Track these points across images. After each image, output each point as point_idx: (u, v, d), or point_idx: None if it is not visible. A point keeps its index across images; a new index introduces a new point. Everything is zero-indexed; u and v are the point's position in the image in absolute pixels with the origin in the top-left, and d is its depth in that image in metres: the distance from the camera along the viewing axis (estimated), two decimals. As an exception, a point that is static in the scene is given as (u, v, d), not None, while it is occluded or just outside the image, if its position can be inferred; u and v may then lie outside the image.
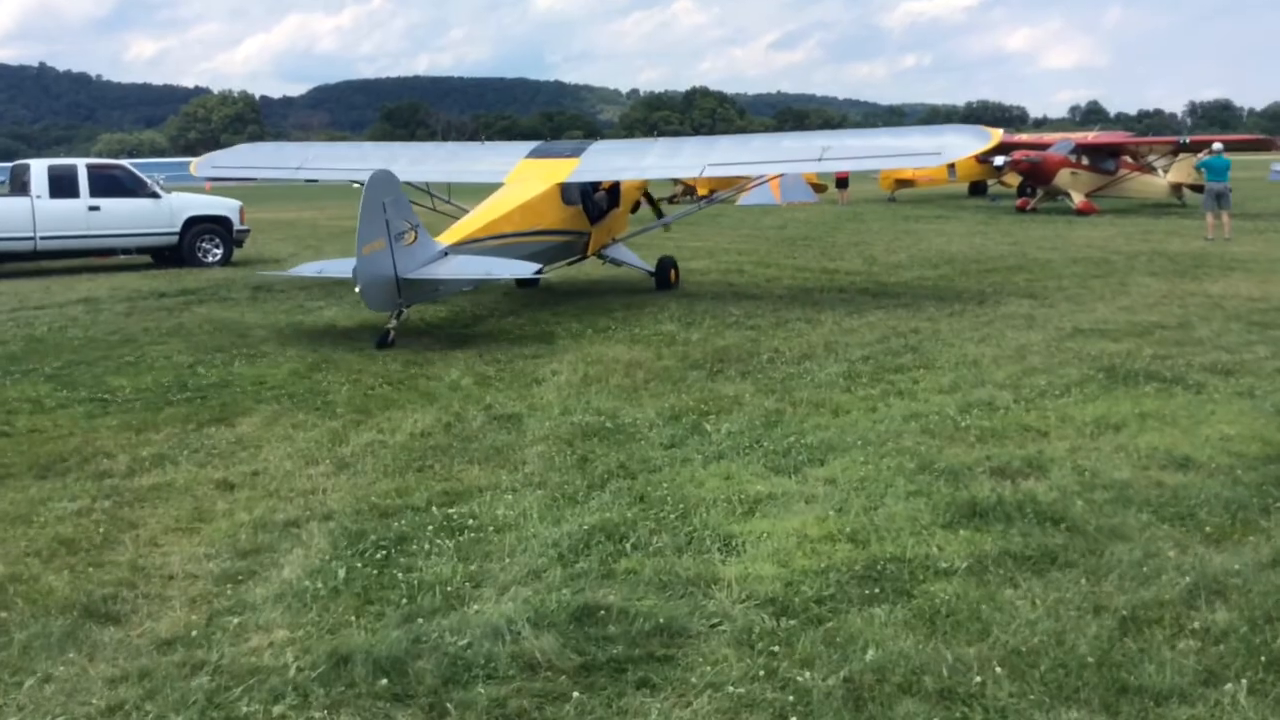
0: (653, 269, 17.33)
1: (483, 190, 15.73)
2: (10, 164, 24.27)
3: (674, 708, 4.25)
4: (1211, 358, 10.64)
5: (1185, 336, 11.92)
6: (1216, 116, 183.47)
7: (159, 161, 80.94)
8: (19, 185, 20.85)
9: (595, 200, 16.49)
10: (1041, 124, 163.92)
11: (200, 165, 20.02)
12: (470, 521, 6.34)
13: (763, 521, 6.30)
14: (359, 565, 5.68)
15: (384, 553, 5.86)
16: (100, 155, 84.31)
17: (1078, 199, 32.70)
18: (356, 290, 12.10)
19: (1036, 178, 33.83)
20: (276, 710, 4.27)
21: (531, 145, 17.39)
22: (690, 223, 25.11)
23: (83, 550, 6.05)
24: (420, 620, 4.97)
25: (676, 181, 40.67)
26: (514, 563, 5.69)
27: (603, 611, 5.01)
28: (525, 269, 13.60)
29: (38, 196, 20.26)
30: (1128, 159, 34.71)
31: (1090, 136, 40.38)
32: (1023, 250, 22.22)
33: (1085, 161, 33.77)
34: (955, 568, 5.51)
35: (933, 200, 41.92)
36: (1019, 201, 35.24)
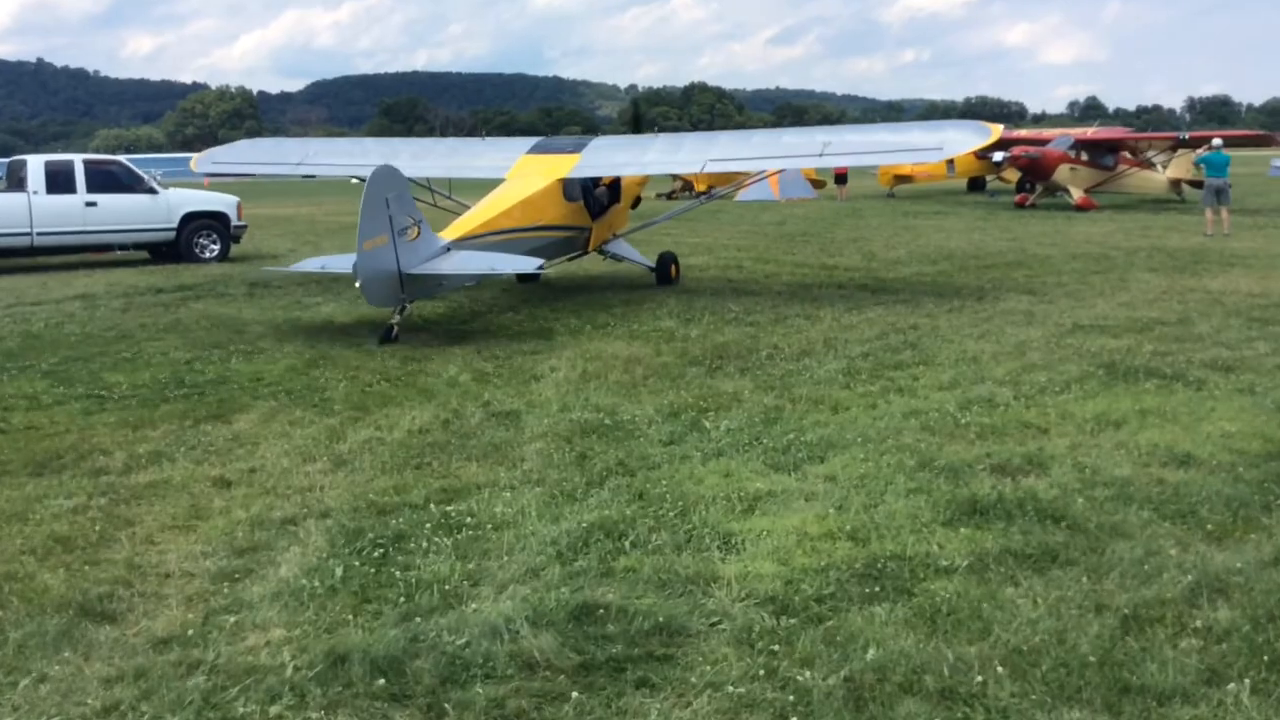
0: (653, 264, 17.33)
1: (483, 186, 15.72)
2: (7, 160, 24.16)
3: (673, 708, 4.22)
4: (1212, 354, 10.62)
5: (1185, 333, 11.89)
6: (1215, 112, 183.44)
7: (159, 157, 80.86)
8: (16, 181, 20.77)
9: (596, 196, 16.48)
10: (1040, 119, 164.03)
11: (200, 161, 20.00)
12: (468, 519, 6.31)
13: (762, 519, 6.27)
14: (356, 563, 5.65)
15: (382, 551, 5.83)
16: (98, 151, 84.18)
17: (1077, 195, 32.68)
18: (357, 285, 12.06)
19: (1036, 173, 33.81)
20: (273, 710, 4.24)
21: (532, 141, 17.40)
22: (689, 219, 25.09)
23: (79, 548, 6.01)
24: (418, 619, 4.94)
25: (675, 177, 40.72)
26: (512, 561, 5.66)
27: (601, 610, 4.98)
28: (528, 264, 13.59)
29: (34, 192, 20.19)
30: (1127, 155, 34.67)
31: (1090, 132, 40.30)
32: (1022, 246, 22.19)
33: (1084, 157, 33.74)
34: (956, 566, 5.48)
35: (931, 196, 41.88)
36: (1018, 197, 35.20)
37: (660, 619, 4.89)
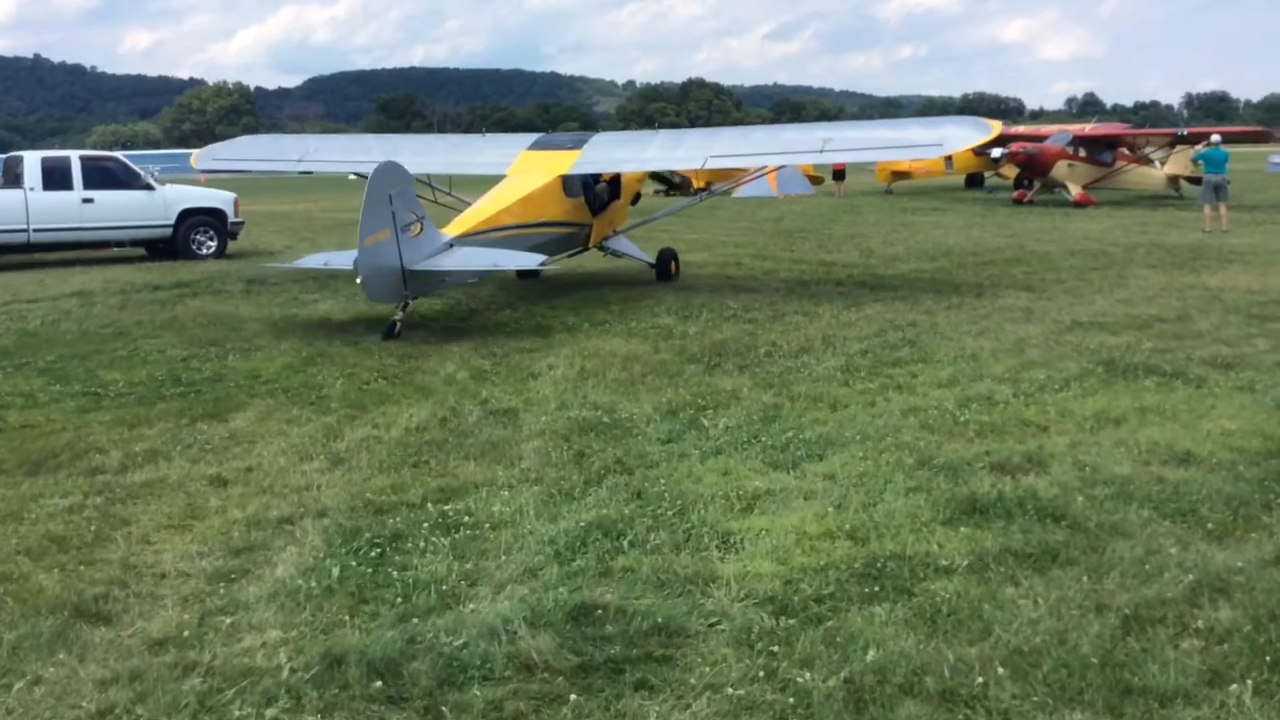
0: (653, 261, 17.33)
1: (483, 182, 15.71)
2: (3, 156, 24.08)
3: (673, 710, 4.20)
4: (1211, 351, 10.59)
5: (1184, 330, 11.87)
6: (1213, 108, 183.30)
7: (157, 153, 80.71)
8: (12, 177, 20.71)
9: (596, 192, 16.48)
10: (1038, 115, 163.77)
11: (201, 157, 19.95)
12: (466, 518, 6.28)
13: (761, 518, 6.24)
14: (353, 563, 5.62)
15: (378, 551, 5.80)
16: (95, 147, 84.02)
17: (1075, 191, 32.66)
18: (358, 281, 12.04)
19: (1034, 170, 33.80)
20: (269, 713, 4.20)
21: (533, 137, 17.41)
22: (686, 215, 25.05)
23: (74, 548, 5.98)
24: (415, 620, 4.90)
25: (673, 173, 40.62)
26: (510, 561, 5.63)
27: (600, 611, 4.95)
28: (531, 260, 13.60)
29: (31, 189, 20.13)
30: (1125, 151, 34.64)
31: (1088, 128, 40.28)
32: (1020, 243, 22.17)
33: (1083, 153, 33.72)
34: (956, 565, 5.46)
35: (929, 192, 41.86)
36: (1016, 194, 35.19)
37: (659, 619, 4.86)
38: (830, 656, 4.53)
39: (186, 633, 4.87)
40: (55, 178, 20.47)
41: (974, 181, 44.80)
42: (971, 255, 20.02)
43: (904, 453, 7.41)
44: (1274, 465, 6.98)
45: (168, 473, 7.32)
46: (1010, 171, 38.33)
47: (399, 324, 12.30)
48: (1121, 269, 17.45)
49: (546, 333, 12.49)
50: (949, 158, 37.46)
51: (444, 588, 5.28)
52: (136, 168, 22.21)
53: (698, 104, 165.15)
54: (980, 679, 4.31)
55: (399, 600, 5.15)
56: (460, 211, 14.88)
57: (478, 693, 4.31)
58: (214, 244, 22.05)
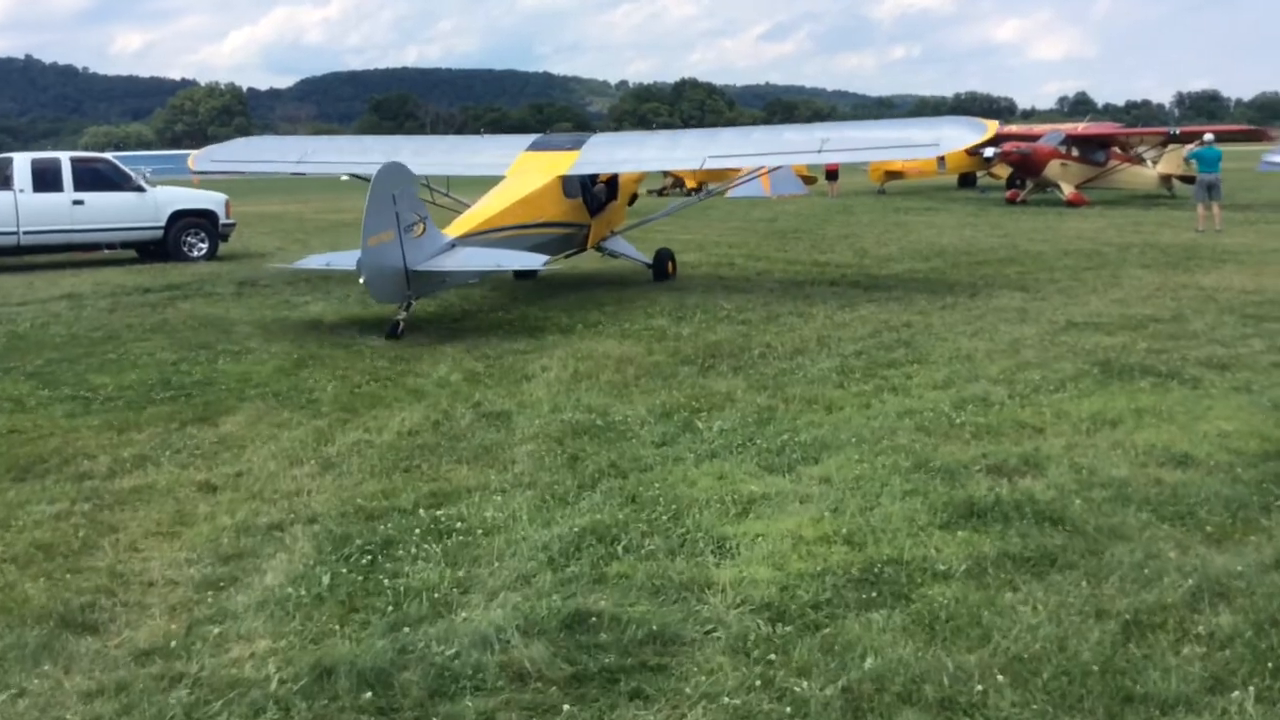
0: (650, 261, 17.31)
1: (481, 183, 15.68)
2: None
3: (668, 720, 4.13)
4: (1207, 352, 10.55)
5: (1179, 330, 11.83)
6: (1204, 107, 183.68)
7: (150, 154, 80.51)
8: (2, 180, 20.56)
9: (594, 193, 16.47)
10: (1030, 115, 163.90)
11: (198, 159, 19.89)
12: (458, 524, 6.21)
13: (757, 522, 6.18)
14: (344, 571, 5.54)
15: (369, 557, 5.72)
16: (87, 148, 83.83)
17: (1068, 190, 32.65)
18: (361, 281, 12.00)
19: (1027, 169, 33.77)
20: (257, 725, 4.13)
21: (531, 138, 17.44)
22: (680, 215, 24.96)
23: (60, 556, 5.90)
24: (406, 629, 4.83)
25: (666, 174, 40.64)
26: (503, 567, 5.56)
27: (594, 618, 4.89)
28: (533, 260, 13.65)
29: (21, 190, 20.00)
30: (1117, 150, 34.64)
31: (1080, 128, 40.29)
32: (1013, 242, 22.14)
33: (1075, 153, 33.70)
34: (953, 570, 5.40)
35: (922, 192, 41.84)
36: (1009, 193, 35.14)
37: (654, 627, 4.80)
38: (828, 664, 4.47)
39: (174, 643, 4.79)
40: (45, 179, 20.35)
41: (967, 181, 44.81)
42: (965, 255, 19.98)
43: (900, 455, 7.35)
44: (1272, 467, 6.93)
45: (156, 478, 7.24)
46: (1003, 171, 38.34)
47: (402, 324, 12.31)
48: (1115, 269, 17.42)
49: (540, 334, 12.42)
50: (941, 158, 37.43)
51: (436, 595, 5.21)
52: (127, 169, 22.09)
53: (691, 104, 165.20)
54: (979, 687, 4.26)
55: (390, 609, 5.08)
56: (458, 212, 14.90)
57: (470, 703, 4.25)
58: (205, 246, 21.94)
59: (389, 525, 6.23)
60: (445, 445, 7.91)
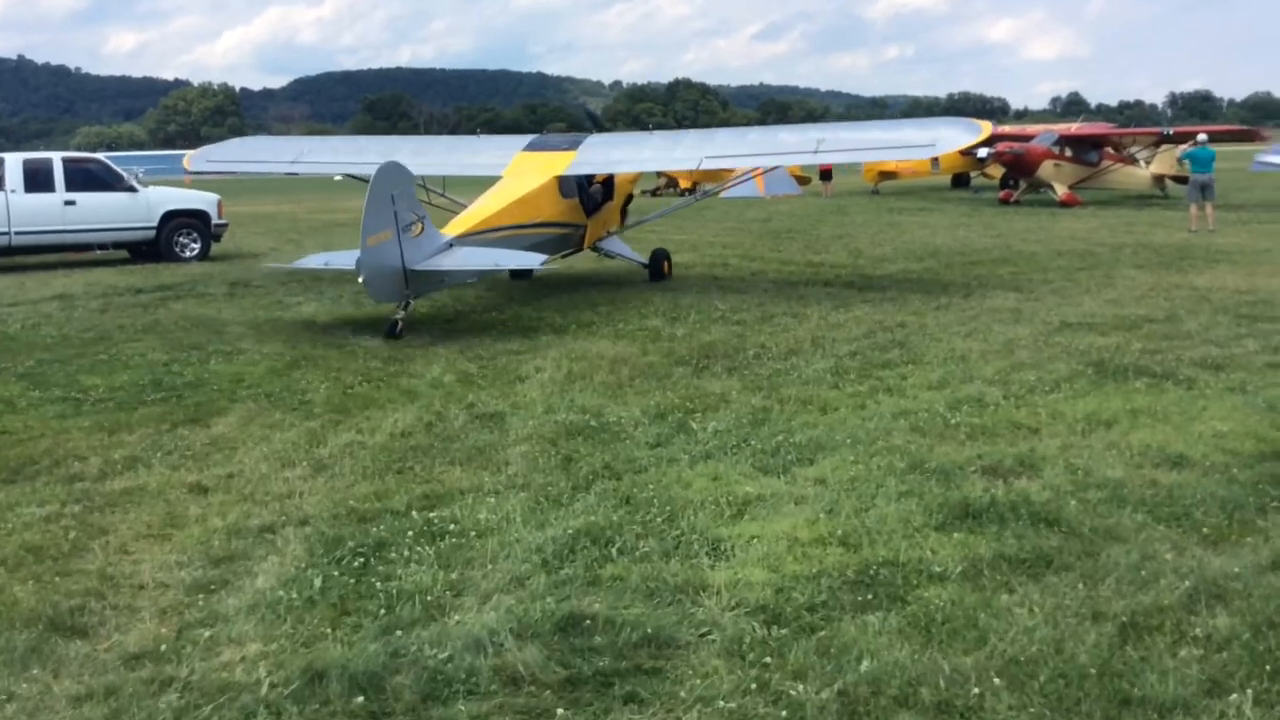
0: (646, 261, 17.31)
1: (479, 183, 15.68)
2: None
3: (662, 724, 4.10)
4: (1201, 352, 10.54)
5: (1173, 330, 11.82)
6: (1197, 107, 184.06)
7: (143, 155, 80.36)
8: (-7, 180, 20.49)
9: (591, 193, 16.47)
10: (1023, 115, 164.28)
11: (194, 159, 19.84)
12: (451, 526, 6.17)
13: (752, 524, 6.14)
14: (335, 574, 5.50)
15: (362, 560, 5.68)
16: (79, 148, 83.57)
17: (1061, 191, 32.68)
18: (360, 281, 12.02)
19: (1020, 170, 33.81)
20: (248, 730, 4.09)
21: (528, 138, 17.46)
22: (674, 216, 24.94)
23: (50, 558, 5.85)
24: (399, 632, 4.79)
25: (659, 174, 40.62)
26: (496, 570, 5.52)
27: (588, 621, 4.85)
28: (531, 260, 13.70)
29: (12, 191, 19.92)
30: (1111, 151, 34.68)
31: (1074, 128, 40.34)
32: (1007, 243, 22.14)
33: (1069, 153, 33.74)
34: (949, 572, 5.37)
35: (915, 192, 41.88)
36: (1002, 193, 35.20)
37: (648, 630, 4.76)
38: (823, 667, 4.44)
39: (164, 646, 4.75)
40: (37, 180, 20.27)
41: (960, 181, 44.88)
42: (959, 256, 19.97)
43: (895, 456, 7.32)
44: (1268, 468, 6.91)
45: (147, 480, 7.19)
46: (996, 171, 38.38)
47: (401, 323, 12.32)
48: (1109, 269, 17.42)
49: (533, 335, 12.39)
50: (935, 158, 37.47)
51: (428, 598, 5.17)
52: (119, 169, 22.01)
53: (684, 104, 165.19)
54: (976, 690, 4.23)
55: (382, 612, 5.03)
56: (454, 212, 14.92)
57: (463, 708, 4.21)
58: (197, 246, 21.87)
59: (381, 527, 6.19)
60: (438, 447, 7.87)
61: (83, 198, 20.54)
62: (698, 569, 5.50)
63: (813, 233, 25.71)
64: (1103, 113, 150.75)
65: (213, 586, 5.43)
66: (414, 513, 6.41)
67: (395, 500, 6.66)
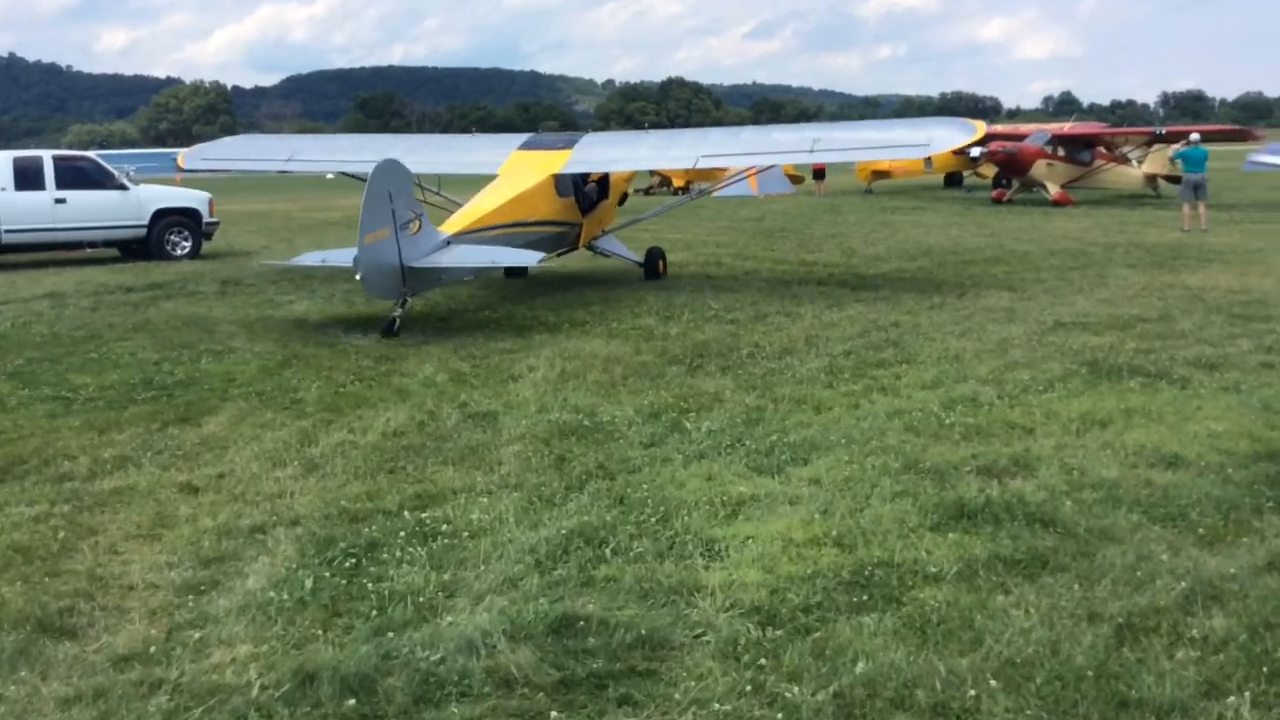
0: (641, 260, 17.30)
1: (474, 182, 15.66)
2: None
3: (657, 726, 4.07)
4: (1195, 352, 10.53)
5: (1167, 330, 11.82)
6: (1189, 107, 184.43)
7: (135, 153, 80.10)
8: (-16, 177, 20.38)
9: (586, 192, 16.46)
10: (1015, 115, 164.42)
11: (189, 157, 19.79)
12: (444, 526, 6.13)
13: (746, 524, 6.11)
14: (327, 574, 5.46)
15: (353, 561, 5.64)
16: (71, 146, 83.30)
17: (1053, 190, 32.69)
18: (357, 278, 12.03)
19: (1013, 169, 33.80)
20: (238, 733, 4.05)
21: (523, 137, 17.47)
22: (667, 215, 24.91)
23: (39, 559, 5.81)
24: (391, 634, 4.75)
25: (652, 173, 40.60)
26: (489, 570, 5.48)
27: (582, 622, 4.82)
28: (529, 258, 13.70)
29: (2, 189, 19.82)
30: (1103, 150, 34.70)
31: (1066, 127, 40.37)
32: (1000, 242, 22.13)
33: (1061, 153, 33.75)
34: (945, 573, 5.35)
35: (908, 191, 41.86)
36: (995, 193, 35.17)
37: (643, 631, 4.73)
38: (819, 669, 4.41)
39: (153, 648, 4.71)
40: (28, 177, 20.18)
41: (953, 181, 44.87)
42: (952, 255, 19.96)
43: (889, 456, 7.30)
44: (1263, 468, 6.90)
45: (137, 480, 7.14)
46: (989, 171, 38.36)
47: (398, 320, 12.33)
48: (1101, 268, 17.42)
49: (526, 334, 12.35)
50: (928, 157, 37.45)
51: (421, 599, 5.13)
52: (110, 167, 21.90)
53: (677, 103, 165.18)
54: (972, 692, 4.20)
55: (374, 613, 5.00)
56: (449, 210, 14.93)
57: (455, 710, 4.17)
58: (188, 244, 21.78)
59: (373, 528, 6.15)
60: (431, 446, 7.83)
61: (73, 196, 20.44)
62: (692, 570, 5.47)
63: (806, 232, 25.68)
64: (1095, 112, 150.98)
65: (203, 587, 5.39)
66: (406, 513, 6.37)
67: (387, 500, 6.62)
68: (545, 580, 5.33)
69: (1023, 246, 21.06)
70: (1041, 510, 6.18)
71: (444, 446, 7.82)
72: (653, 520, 6.16)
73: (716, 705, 4.16)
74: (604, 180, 17.03)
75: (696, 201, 26.04)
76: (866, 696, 4.19)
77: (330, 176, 18.90)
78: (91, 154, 24.89)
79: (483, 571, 5.47)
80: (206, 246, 22.29)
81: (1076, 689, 4.22)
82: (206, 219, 22.18)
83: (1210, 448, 7.35)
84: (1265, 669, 4.34)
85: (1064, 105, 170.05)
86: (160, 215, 21.55)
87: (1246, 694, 4.15)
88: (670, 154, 17.09)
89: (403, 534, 6.01)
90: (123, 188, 21.22)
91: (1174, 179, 29.96)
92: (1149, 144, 33.99)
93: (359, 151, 17.74)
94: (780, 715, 4.09)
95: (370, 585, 5.32)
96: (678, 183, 39.80)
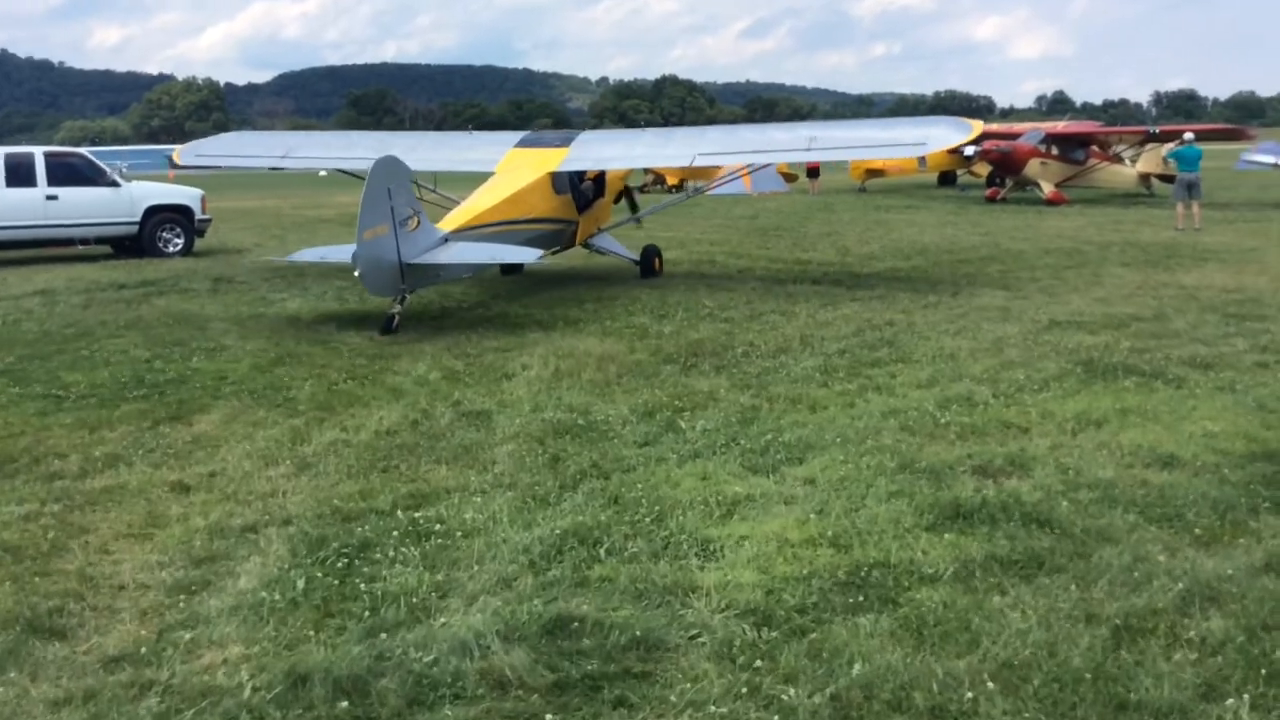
0: (637, 258, 17.30)
1: (471, 179, 15.65)
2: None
3: (652, 729, 4.03)
4: (1190, 351, 10.52)
5: (1162, 329, 11.80)
6: (1181, 106, 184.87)
7: (128, 149, 79.90)
8: (-26, 175, 20.27)
9: (582, 190, 16.45)
10: (1008, 114, 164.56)
11: (184, 153, 19.71)
12: (437, 526, 6.09)
13: (741, 524, 6.08)
14: (319, 574, 5.41)
15: (346, 561, 5.60)
16: (63, 143, 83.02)
17: (1047, 189, 32.71)
18: (356, 275, 12.04)
19: (1007, 168, 33.83)
20: (230, 735, 4.01)
21: (520, 135, 17.48)
22: (661, 212, 24.87)
23: (29, 558, 5.75)
24: (383, 635, 4.71)
25: (646, 171, 40.54)
26: (483, 571, 5.44)
27: (576, 623, 4.78)
28: (528, 255, 13.70)
29: (-7, 185, 19.73)
30: (1097, 149, 34.73)
31: (1060, 126, 40.40)
32: (994, 241, 22.12)
33: (1055, 152, 33.77)
34: (941, 573, 5.31)
35: (902, 190, 41.88)
36: (989, 191, 35.22)
37: (637, 632, 4.69)
38: (815, 671, 4.37)
39: (144, 649, 4.66)
40: (19, 174, 20.07)
41: (947, 179, 44.92)
42: (946, 253, 19.95)
43: (885, 456, 7.27)
44: (1259, 468, 6.88)
45: (128, 478, 7.09)
46: (983, 169, 38.41)
47: (397, 317, 12.31)
48: (1096, 267, 17.42)
49: (520, 332, 12.30)
50: (922, 156, 37.49)
51: (414, 600, 5.09)
52: (102, 164, 21.81)
53: (671, 101, 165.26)
54: (970, 694, 4.17)
55: (367, 614, 4.95)
56: (445, 208, 14.94)
57: (449, 712, 4.14)
58: (181, 241, 21.70)
59: (366, 527, 6.10)
60: (424, 445, 7.79)
61: (65, 193, 20.34)
62: (687, 570, 5.44)
63: (800, 230, 25.66)
64: (1088, 111, 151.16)
65: (194, 587, 5.34)
66: (399, 512, 6.32)
67: (380, 499, 6.58)
68: (539, 581, 5.30)
69: (1017, 245, 21.05)
70: (1038, 510, 6.15)
71: (437, 445, 7.78)
72: (647, 520, 6.12)
73: (712, 708, 4.13)
74: (600, 178, 17.01)
75: (690, 200, 25.98)
76: (864, 699, 4.16)
77: (323, 173, 18.86)
78: (83, 150, 24.77)
79: (476, 572, 5.43)
80: (199, 244, 22.21)
81: (1074, 691, 4.19)
82: (199, 216, 22.11)
83: (1206, 448, 7.33)
84: (1264, 671, 4.31)
85: (1057, 104, 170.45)
86: (152, 212, 21.46)
87: (1245, 696, 4.12)
88: (667, 152, 17.07)
89: (396, 534, 5.96)
90: (115, 184, 21.12)
91: (1168, 178, 29.99)
92: (1143, 143, 34.03)
93: (354, 148, 17.75)
94: (777, 718, 4.06)
95: (363, 585, 5.28)
96: (671, 181, 39.76)
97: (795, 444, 7.59)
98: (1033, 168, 33.07)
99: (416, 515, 6.26)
